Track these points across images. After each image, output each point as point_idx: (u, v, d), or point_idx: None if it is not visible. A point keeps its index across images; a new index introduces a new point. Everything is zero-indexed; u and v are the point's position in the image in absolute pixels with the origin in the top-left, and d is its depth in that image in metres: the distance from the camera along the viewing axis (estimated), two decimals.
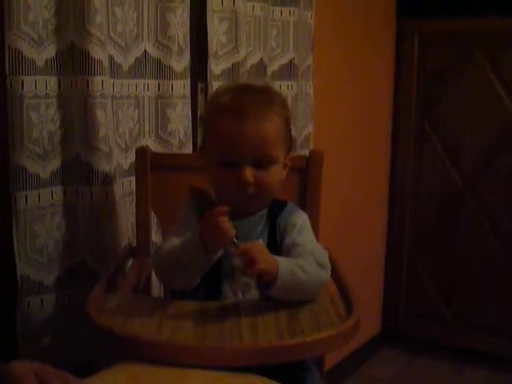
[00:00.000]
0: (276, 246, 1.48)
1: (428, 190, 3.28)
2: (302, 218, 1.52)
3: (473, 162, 3.14)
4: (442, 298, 3.31)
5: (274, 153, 1.44)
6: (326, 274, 1.43)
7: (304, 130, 2.43)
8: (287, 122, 1.49)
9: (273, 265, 1.34)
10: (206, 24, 2.01)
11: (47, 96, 1.63)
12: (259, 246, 1.37)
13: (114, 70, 1.76)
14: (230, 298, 1.45)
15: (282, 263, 1.36)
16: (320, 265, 1.42)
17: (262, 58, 2.20)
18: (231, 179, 1.42)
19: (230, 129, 1.41)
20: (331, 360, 2.78)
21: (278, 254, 1.45)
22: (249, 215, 1.49)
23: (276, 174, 1.46)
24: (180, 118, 1.94)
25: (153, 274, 1.78)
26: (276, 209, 1.51)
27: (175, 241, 1.42)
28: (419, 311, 3.40)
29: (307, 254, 1.43)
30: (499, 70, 3.02)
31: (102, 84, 1.67)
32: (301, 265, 1.38)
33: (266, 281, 1.34)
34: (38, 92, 1.60)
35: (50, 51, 1.63)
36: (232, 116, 1.41)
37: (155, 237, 1.88)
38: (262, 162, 1.43)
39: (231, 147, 1.41)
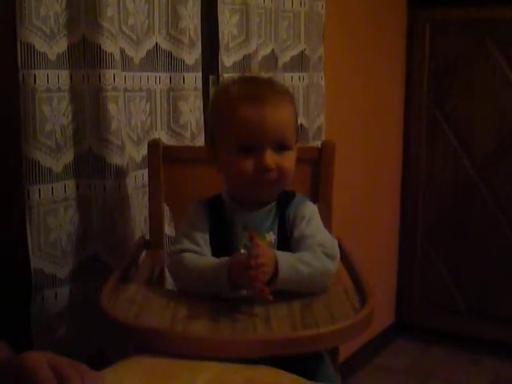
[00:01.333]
0: (286, 238, 1.48)
1: (441, 180, 3.27)
2: (309, 209, 1.52)
3: (485, 151, 3.13)
4: (456, 287, 3.31)
5: (291, 138, 1.46)
6: (333, 265, 1.43)
7: (316, 121, 2.42)
8: (295, 110, 1.52)
9: (270, 262, 1.33)
10: (217, 16, 2.01)
11: (59, 90, 1.64)
12: (264, 249, 1.34)
13: (126, 63, 1.76)
14: (243, 291, 1.46)
15: (283, 260, 1.35)
16: (327, 255, 1.42)
17: (273, 50, 2.20)
18: (252, 164, 1.43)
19: (251, 114, 1.42)
20: (345, 351, 2.78)
21: (287, 247, 1.46)
22: (259, 208, 1.50)
23: (292, 160, 1.47)
24: (192, 111, 1.94)
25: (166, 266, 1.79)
26: (284, 200, 1.51)
27: (194, 249, 1.45)
28: (433, 301, 3.39)
29: (315, 245, 1.43)
30: (510, 57, 3.00)
31: (113, 77, 1.67)
32: (304, 259, 1.38)
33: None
34: (51, 86, 1.61)
35: (61, 45, 1.64)
36: (252, 103, 1.43)
37: (168, 229, 1.88)
38: (281, 147, 1.44)
39: (253, 132, 1.42)
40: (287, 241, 1.48)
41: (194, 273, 1.41)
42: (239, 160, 1.44)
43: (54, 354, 1.05)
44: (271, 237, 1.47)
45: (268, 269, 1.32)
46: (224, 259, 1.38)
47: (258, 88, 1.47)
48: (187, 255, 1.45)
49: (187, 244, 1.47)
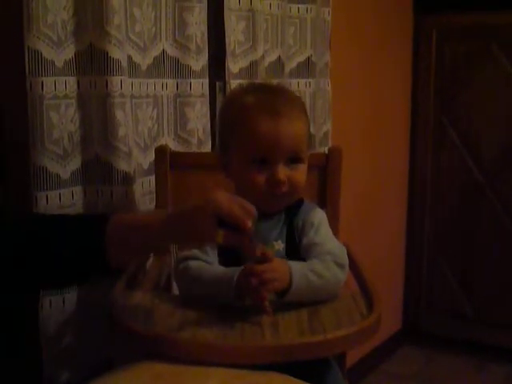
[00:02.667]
0: (295, 246, 1.48)
1: (448, 185, 3.27)
2: (318, 216, 1.52)
3: (492, 157, 3.12)
4: (463, 294, 3.30)
5: (305, 151, 1.46)
6: (343, 274, 1.43)
7: (323, 127, 2.43)
8: (308, 120, 1.52)
9: (285, 276, 1.32)
10: (224, 23, 2.02)
11: (67, 96, 1.64)
12: (274, 265, 1.33)
13: (133, 69, 1.76)
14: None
15: (296, 272, 1.34)
16: (338, 264, 1.41)
17: (279, 56, 2.20)
18: (264, 177, 1.43)
19: (266, 127, 1.42)
20: (353, 357, 2.78)
21: (296, 254, 1.46)
22: (268, 216, 1.49)
23: (304, 173, 1.47)
24: (199, 117, 1.94)
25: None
26: (292, 208, 1.51)
27: (201, 257, 1.45)
28: (440, 308, 3.39)
29: (325, 253, 1.42)
30: None
31: (120, 84, 1.68)
32: (316, 269, 1.37)
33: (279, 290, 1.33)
34: (58, 93, 1.61)
35: (69, 52, 1.64)
36: (265, 114, 1.42)
37: None
38: (293, 161, 1.44)
39: (267, 146, 1.42)
40: (296, 248, 1.48)
41: (199, 281, 1.41)
42: (251, 172, 1.44)
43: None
44: (280, 245, 1.47)
45: (279, 284, 1.31)
46: (231, 269, 1.38)
47: (273, 99, 1.45)
48: (194, 263, 1.45)
49: (194, 251, 1.47)
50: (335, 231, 1.64)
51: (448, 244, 3.32)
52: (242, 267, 1.35)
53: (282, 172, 1.42)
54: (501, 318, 3.21)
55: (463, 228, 3.26)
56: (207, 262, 1.45)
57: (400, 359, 3.28)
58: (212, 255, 1.46)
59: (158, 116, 1.88)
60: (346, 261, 1.44)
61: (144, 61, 1.81)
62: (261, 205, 1.46)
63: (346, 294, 1.44)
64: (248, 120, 1.45)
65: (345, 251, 1.46)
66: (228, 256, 1.46)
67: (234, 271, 1.36)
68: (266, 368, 1.21)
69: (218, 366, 1.19)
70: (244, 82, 2.03)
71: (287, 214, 1.51)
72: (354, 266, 1.58)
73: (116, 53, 1.65)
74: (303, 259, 1.45)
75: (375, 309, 1.34)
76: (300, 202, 1.53)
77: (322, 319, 1.31)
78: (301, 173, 1.46)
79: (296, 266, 1.36)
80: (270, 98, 1.46)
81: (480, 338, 3.26)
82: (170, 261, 1.74)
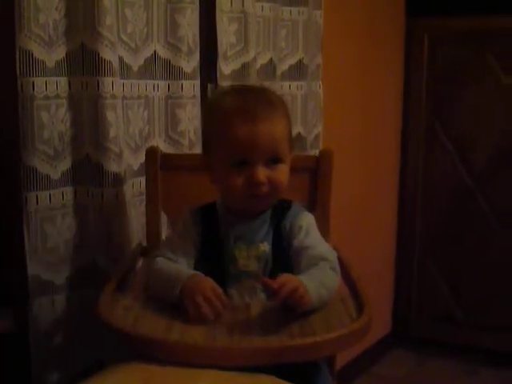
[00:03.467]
0: (281, 248, 1.48)
1: (438, 190, 3.27)
2: (307, 220, 1.52)
3: (483, 162, 3.13)
4: (453, 297, 3.30)
5: (283, 152, 1.46)
6: (338, 280, 1.44)
7: (314, 129, 2.43)
8: (289, 123, 1.51)
9: (304, 293, 1.30)
10: (216, 25, 2.01)
11: (58, 97, 1.64)
12: (289, 279, 1.30)
13: (124, 70, 1.76)
14: (237, 301, 1.46)
15: (312, 289, 1.31)
16: (333, 270, 1.42)
17: (271, 58, 2.20)
18: (243, 179, 1.43)
19: (243, 130, 1.42)
20: (342, 359, 2.78)
21: (282, 257, 1.46)
22: (253, 217, 1.50)
23: (285, 173, 1.47)
24: (190, 119, 1.94)
25: None
26: (280, 210, 1.51)
27: (168, 256, 1.47)
28: (430, 311, 3.39)
29: (319, 259, 1.42)
30: (509, 68, 3.01)
31: (112, 85, 1.67)
32: (324, 282, 1.37)
33: (295, 307, 1.31)
34: (49, 93, 1.61)
35: (60, 52, 1.64)
36: (243, 117, 1.42)
37: (165, 236, 1.88)
38: (273, 162, 1.44)
39: (244, 148, 1.42)
40: (282, 251, 1.48)
41: (156, 276, 1.44)
42: (231, 174, 1.44)
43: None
44: (265, 246, 1.48)
45: (298, 295, 1.28)
46: (186, 273, 1.40)
47: (250, 102, 1.45)
48: (159, 260, 1.47)
49: (164, 251, 1.50)
50: (325, 234, 1.64)
51: (438, 247, 3.32)
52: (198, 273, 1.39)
53: (261, 173, 1.42)
54: (490, 322, 3.21)
55: (453, 231, 3.27)
56: (174, 262, 1.47)
57: (390, 362, 3.28)
58: (180, 255, 1.48)
59: (149, 117, 1.88)
60: (338, 267, 1.45)
61: (135, 62, 1.80)
62: (243, 206, 1.47)
63: (335, 297, 1.44)
64: (225, 123, 1.45)
65: (336, 255, 1.47)
66: (212, 255, 1.48)
67: (186, 276, 1.37)
68: (255, 370, 1.21)
69: (208, 367, 1.19)
70: (236, 83, 2.02)
71: (274, 215, 1.51)
72: (343, 268, 1.58)
73: (107, 54, 1.65)
74: (290, 262, 1.45)
75: (365, 312, 1.34)
76: (288, 205, 1.53)
77: (311, 321, 1.31)
78: (281, 173, 1.46)
79: (309, 283, 1.32)
80: (247, 100, 1.46)
81: (470, 341, 3.26)
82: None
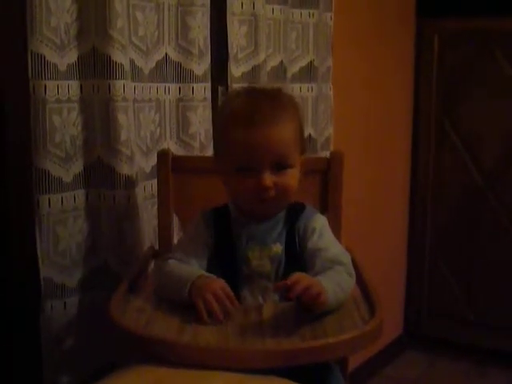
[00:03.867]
0: (294, 250, 1.48)
1: (449, 190, 3.27)
2: (320, 222, 1.52)
3: (494, 161, 3.12)
4: (465, 298, 3.30)
5: (290, 156, 1.45)
6: (353, 283, 1.44)
7: (324, 131, 2.43)
8: (300, 125, 1.50)
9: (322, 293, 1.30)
10: (226, 27, 2.02)
11: (69, 100, 1.65)
12: (302, 277, 1.30)
13: (136, 73, 1.77)
14: (250, 301, 1.46)
15: (329, 289, 1.32)
16: (350, 274, 1.42)
17: (282, 61, 2.20)
18: (250, 184, 1.43)
19: (246, 135, 1.42)
20: (354, 361, 2.77)
21: (295, 258, 1.46)
22: (265, 219, 1.50)
23: (293, 177, 1.46)
24: (201, 121, 1.95)
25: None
26: (294, 212, 1.51)
27: (180, 258, 1.48)
28: (442, 312, 3.38)
29: (335, 262, 1.42)
30: None
31: (123, 88, 1.68)
32: (340, 284, 1.37)
33: (312, 307, 1.31)
34: (61, 96, 1.62)
35: (72, 56, 1.65)
36: (246, 122, 1.42)
37: (177, 239, 1.88)
38: (279, 166, 1.43)
39: (248, 153, 1.42)
40: (295, 253, 1.48)
41: (167, 277, 1.44)
42: (237, 179, 1.45)
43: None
44: (278, 247, 1.48)
45: (315, 290, 1.28)
46: (196, 273, 1.40)
47: (256, 105, 1.44)
48: (170, 262, 1.48)
49: (176, 253, 1.50)
50: (337, 235, 1.64)
51: (449, 248, 3.31)
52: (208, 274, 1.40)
53: (268, 178, 1.42)
54: (502, 322, 3.20)
55: (464, 231, 3.26)
56: (186, 264, 1.47)
57: (402, 363, 3.28)
58: (192, 257, 1.48)
59: (160, 120, 1.88)
60: (353, 270, 1.45)
61: (147, 65, 1.81)
62: (252, 210, 1.47)
63: (348, 299, 1.44)
64: (228, 127, 1.46)
65: (349, 258, 1.47)
66: (226, 256, 1.49)
67: (195, 276, 1.38)
68: (267, 372, 1.21)
69: (219, 369, 1.19)
70: (244, 86, 2.03)
71: (287, 217, 1.51)
72: (355, 270, 1.58)
73: (119, 57, 1.66)
74: (303, 263, 1.45)
75: (377, 313, 1.33)
76: (302, 207, 1.53)
77: (323, 323, 1.31)
78: (289, 177, 1.45)
79: (327, 284, 1.32)
80: (252, 103, 1.45)
81: (482, 341, 3.25)
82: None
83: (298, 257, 1.47)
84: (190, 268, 1.45)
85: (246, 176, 1.43)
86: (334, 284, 1.34)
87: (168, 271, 1.45)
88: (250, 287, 1.47)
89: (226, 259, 1.49)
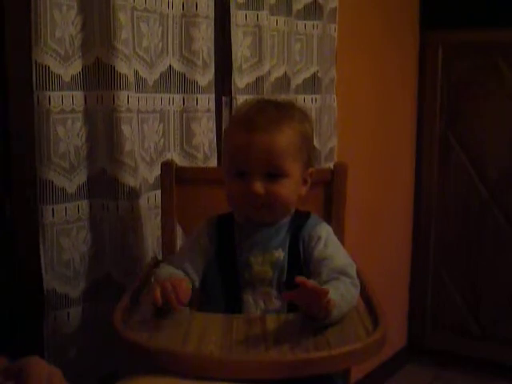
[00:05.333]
0: (297, 257, 1.48)
1: (453, 202, 3.26)
2: (325, 230, 1.52)
3: (498, 173, 3.12)
4: (469, 310, 3.29)
5: (286, 165, 1.44)
6: (357, 295, 1.44)
7: (328, 142, 2.43)
8: (304, 137, 1.48)
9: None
10: (231, 38, 2.02)
11: (73, 111, 1.65)
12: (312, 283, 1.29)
13: (140, 84, 1.77)
14: (252, 307, 1.46)
15: (335, 300, 1.30)
16: (355, 286, 1.42)
17: (285, 72, 2.21)
18: (242, 190, 1.43)
19: (240, 140, 1.43)
20: (357, 374, 2.77)
21: (298, 266, 1.46)
22: (269, 224, 1.50)
23: (288, 188, 1.45)
24: (205, 132, 1.95)
25: None
26: (299, 220, 1.52)
27: (173, 262, 1.52)
28: (446, 324, 3.37)
29: (341, 273, 1.41)
30: None
31: (127, 99, 1.68)
32: (345, 296, 1.36)
33: (316, 315, 1.30)
34: (65, 107, 1.62)
35: (76, 66, 1.65)
36: (243, 127, 1.44)
37: None
38: (273, 174, 1.43)
39: (241, 157, 1.43)
40: (298, 260, 1.48)
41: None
42: (232, 184, 1.46)
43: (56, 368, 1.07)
44: (280, 253, 1.48)
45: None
46: (171, 273, 1.44)
47: (257, 112, 1.45)
48: (162, 265, 1.53)
49: (173, 257, 1.56)
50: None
51: (453, 260, 3.31)
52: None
53: (258, 184, 1.42)
54: (508, 335, 3.19)
55: (469, 244, 3.25)
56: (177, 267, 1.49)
57: (405, 376, 3.26)
58: (187, 262, 1.50)
59: (164, 131, 1.88)
60: (358, 281, 1.45)
61: (151, 76, 1.81)
62: (246, 216, 1.49)
63: (351, 310, 1.43)
64: (228, 132, 1.49)
65: (355, 267, 1.47)
66: (228, 262, 1.49)
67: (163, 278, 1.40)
68: (270, 383, 1.21)
69: (223, 380, 1.19)
70: (250, 97, 2.03)
71: (292, 224, 1.51)
72: (359, 281, 1.58)
73: (123, 68, 1.66)
74: (306, 271, 1.45)
75: (380, 325, 1.33)
76: (307, 216, 1.53)
77: (326, 335, 1.30)
78: (281, 187, 1.44)
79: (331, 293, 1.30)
80: (256, 110, 1.46)
81: (486, 354, 3.24)
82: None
83: (302, 264, 1.47)
84: (174, 272, 1.47)
85: (239, 181, 1.44)
86: (339, 295, 1.33)
87: (156, 274, 1.48)
88: (252, 293, 1.47)
89: (227, 265, 1.49)
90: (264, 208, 1.45)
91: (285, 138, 1.43)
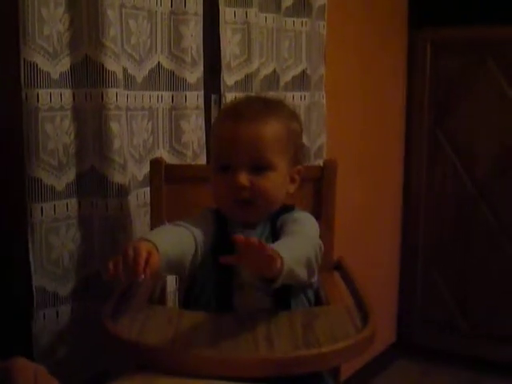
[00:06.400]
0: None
1: (442, 199, 3.27)
2: (302, 214, 1.50)
3: (487, 170, 3.13)
4: (458, 307, 3.30)
5: (271, 158, 1.42)
6: (318, 242, 1.39)
7: (317, 139, 2.43)
8: (291, 132, 1.48)
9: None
10: (219, 36, 2.02)
11: (62, 108, 1.64)
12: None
13: (128, 81, 1.77)
14: (241, 303, 1.45)
15: (280, 250, 1.24)
16: (313, 247, 1.37)
17: (274, 69, 2.21)
18: (226, 184, 1.42)
19: (226, 131, 1.43)
20: (346, 370, 2.77)
21: None
22: (250, 227, 1.48)
23: (274, 182, 1.44)
24: (194, 130, 1.95)
25: (167, 284, 1.79)
26: (279, 212, 1.49)
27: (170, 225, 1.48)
28: (434, 321, 3.38)
29: (302, 235, 1.39)
30: None
31: (116, 96, 1.68)
32: (294, 249, 1.31)
33: (271, 273, 1.23)
34: (53, 104, 1.62)
35: (64, 64, 1.64)
36: (229, 119, 1.44)
37: None
38: (258, 167, 1.42)
39: (226, 150, 1.43)
40: None
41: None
42: (217, 178, 1.45)
43: (39, 365, 1.07)
44: None
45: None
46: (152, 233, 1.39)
47: (244, 105, 1.45)
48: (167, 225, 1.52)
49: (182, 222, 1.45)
50: (330, 243, 1.65)
51: (442, 257, 3.32)
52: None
53: (243, 177, 1.40)
54: (495, 332, 3.20)
55: (457, 241, 3.26)
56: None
57: (394, 373, 3.27)
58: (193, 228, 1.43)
59: (153, 128, 1.88)
60: (321, 251, 1.40)
61: (139, 73, 1.81)
62: (234, 214, 1.46)
63: (340, 307, 1.44)
64: (215, 125, 1.50)
65: (321, 248, 1.42)
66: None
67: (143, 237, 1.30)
68: (260, 381, 1.21)
69: (213, 378, 1.19)
70: (239, 94, 2.03)
71: (274, 216, 1.49)
72: (347, 278, 1.58)
73: (111, 65, 1.66)
74: None
75: (370, 322, 1.34)
76: (290, 208, 1.51)
77: (316, 332, 1.31)
78: (267, 180, 1.42)
79: (276, 246, 1.26)
80: (244, 104, 1.47)
81: (474, 352, 3.25)
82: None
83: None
84: (166, 230, 1.44)
85: (224, 175, 1.43)
86: (286, 249, 1.26)
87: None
88: (242, 294, 1.46)
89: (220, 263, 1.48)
90: (249, 205, 1.43)
91: (271, 129, 1.42)
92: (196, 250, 1.41)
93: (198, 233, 1.43)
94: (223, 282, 1.43)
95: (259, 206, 1.45)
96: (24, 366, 1.03)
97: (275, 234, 1.46)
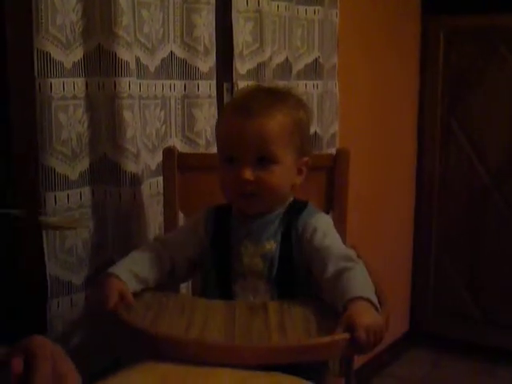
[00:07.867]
0: (289, 248, 1.46)
1: (455, 187, 3.26)
2: (323, 221, 1.49)
3: (500, 159, 3.12)
4: (471, 296, 3.29)
5: (276, 151, 1.42)
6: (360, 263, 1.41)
7: (330, 128, 2.43)
8: (297, 123, 1.46)
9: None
10: (232, 24, 2.02)
11: (75, 98, 1.65)
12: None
13: (141, 71, 1.77)
14: (241, 298, 1.46)
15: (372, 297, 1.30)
16: (360, 266, 1.40)
17: (287, 58, 2.20)
18: (231, 176, 1.42)
19: (231, 125, 1.43)
20: (360, 359, 2.77)
21: (289, 258, 1.45)
22: (262, 215, 1.48)
23: (279, 175, 1.43)
24: (206, 118, 1.95)
25: None
26: (294, 210, 1.49)
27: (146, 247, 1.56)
28: (447, 310, 3.38)
29: (345, 259, 1.39)
30: None
31: (129, 85, 1.68)
32: (366, 280, 1.36)
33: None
34: (66, 94, 1.62)
35: (77, 53, 1.65)
36: (234, 113, 1.43)
37: None
38: (263, 160, 1.41)
39: (231, 143, 1.43)
40: (290, 252, 1.46)
41: None
42: (223, 171, 1.45)
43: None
44: (271, 245, 1.46)
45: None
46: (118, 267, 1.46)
47: (250, 98, 1.44)
48: (144, 245, 1.58)
49: (163, 236, 1.60)
50: (342, 232, 1.64)
51: (455, 246, 3.31)
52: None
53: (247, 171, 1.40)
54: (509, 320, 3.19)
55: (470, 230, 3.26)
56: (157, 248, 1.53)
57: (407, 362, 3.27)
58: (168, 243, 1.54)
59: (165, 117, 1.88)
60: (356, 257, 1.43)
61: (152, 62, 1.81)
62: (236, 205, 1.48)
63: None
64: (220, 120, 1.51)
65: (353, 252, 1.45)
66: (222, 250, 1.49)
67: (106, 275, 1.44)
68: (273, 369, 1.21)
69: (226, 366, 1.19)
70: (251, 83, 2.03)
71: (286, 214, 1.48)
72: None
73: (124, 54, 1.66)
74: (297, 263, 1.45)
75: (383, 310, 1.33)
76: (303, 205, 1.51)
77: (329, 320, 1.31)
78: (272, 174, 1.42)
79: (361, 292, 1.30)
80: (250, 96, 1.46)
81: (488, 340, 3.24)
82: None
83: (293, 256, 1.45)
84: (134, 257, 1.50)
85: (230, 167, 1.43)
86: (362, 285, 1.33)
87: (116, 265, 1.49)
88: (242, 284, 1.46)
89: (220, 255, 1.49)
90: (253, 197, 1.43)
91: (275, 122, 1.41)
92: (173, 267, 1.51)
93: (179, 247, 1.52)
94: (224, 271, 1.45)
95: (264, 199, 1.45)
96: (42, 343, 1.04)
97: (289, 234, 1.46)
